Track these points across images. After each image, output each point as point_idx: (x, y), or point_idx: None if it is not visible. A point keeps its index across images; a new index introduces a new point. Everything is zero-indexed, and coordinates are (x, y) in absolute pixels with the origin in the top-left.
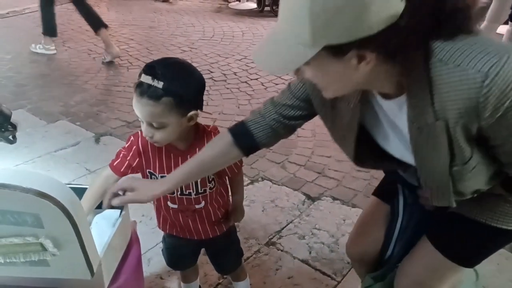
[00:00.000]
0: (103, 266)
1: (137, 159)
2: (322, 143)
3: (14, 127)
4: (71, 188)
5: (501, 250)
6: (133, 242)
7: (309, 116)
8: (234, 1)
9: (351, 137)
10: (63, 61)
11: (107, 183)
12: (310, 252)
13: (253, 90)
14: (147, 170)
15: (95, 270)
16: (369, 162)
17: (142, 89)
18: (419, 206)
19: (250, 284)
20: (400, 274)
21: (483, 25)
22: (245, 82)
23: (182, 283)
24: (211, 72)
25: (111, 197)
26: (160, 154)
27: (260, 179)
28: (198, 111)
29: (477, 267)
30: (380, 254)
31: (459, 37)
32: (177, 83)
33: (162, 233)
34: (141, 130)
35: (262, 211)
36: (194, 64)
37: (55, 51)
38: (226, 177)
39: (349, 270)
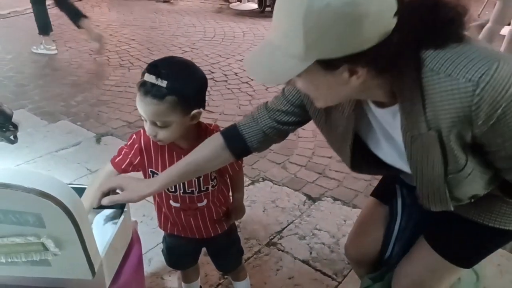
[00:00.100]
0: (104, 266)
1: (139, 157)
2: (323, 143)
3: (16, 127)
4: (72, 188)
5: (502, 251)
6: (134, 242)
7: (302, 122)
8: (235, 2)
9: (346, 145)
10: (64, 61)
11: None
12: (310, 253)
13: (254, 91)
14: (149, 169)
15: (96, 270)
16: (365, 169)
17: (146, 88)
18: (417, 207)
19: (251, 285)
20: (398, 275)
21: (487, 26)
22: (246, 82)
23: (183, 283)
24: (212, 72)
25: (101, 197)
26: (163, 152)
27: (261, 179)
28: (201, 109)
29: (478, 268)
30: (379, 255)
31: (450, 45)
32: (181, 82)
33: (162, 233)
34: (143, 129)
35: (263, 211)
36: None
37: (56, 51)
38: (227, 175)
39: (349, 271)
